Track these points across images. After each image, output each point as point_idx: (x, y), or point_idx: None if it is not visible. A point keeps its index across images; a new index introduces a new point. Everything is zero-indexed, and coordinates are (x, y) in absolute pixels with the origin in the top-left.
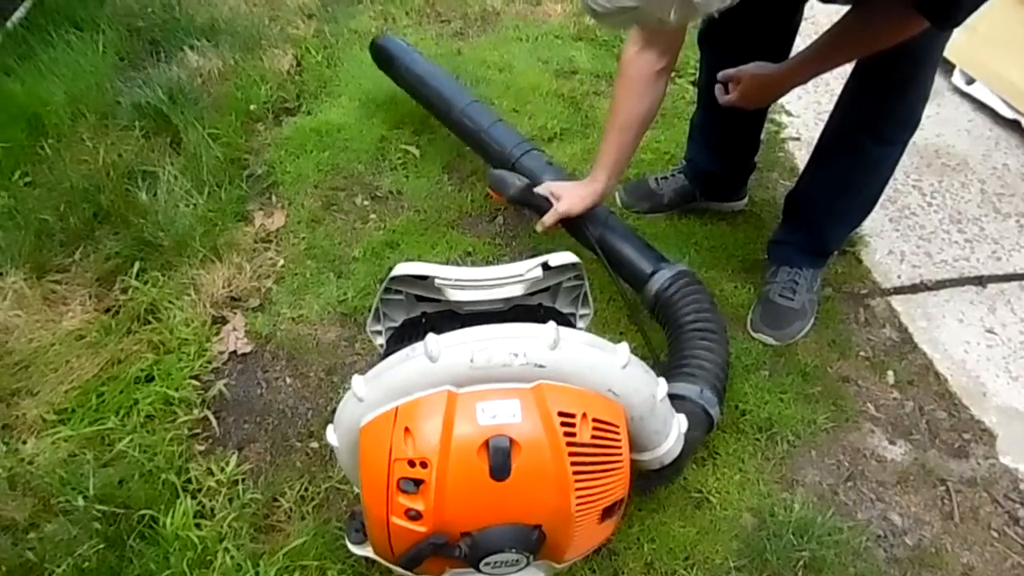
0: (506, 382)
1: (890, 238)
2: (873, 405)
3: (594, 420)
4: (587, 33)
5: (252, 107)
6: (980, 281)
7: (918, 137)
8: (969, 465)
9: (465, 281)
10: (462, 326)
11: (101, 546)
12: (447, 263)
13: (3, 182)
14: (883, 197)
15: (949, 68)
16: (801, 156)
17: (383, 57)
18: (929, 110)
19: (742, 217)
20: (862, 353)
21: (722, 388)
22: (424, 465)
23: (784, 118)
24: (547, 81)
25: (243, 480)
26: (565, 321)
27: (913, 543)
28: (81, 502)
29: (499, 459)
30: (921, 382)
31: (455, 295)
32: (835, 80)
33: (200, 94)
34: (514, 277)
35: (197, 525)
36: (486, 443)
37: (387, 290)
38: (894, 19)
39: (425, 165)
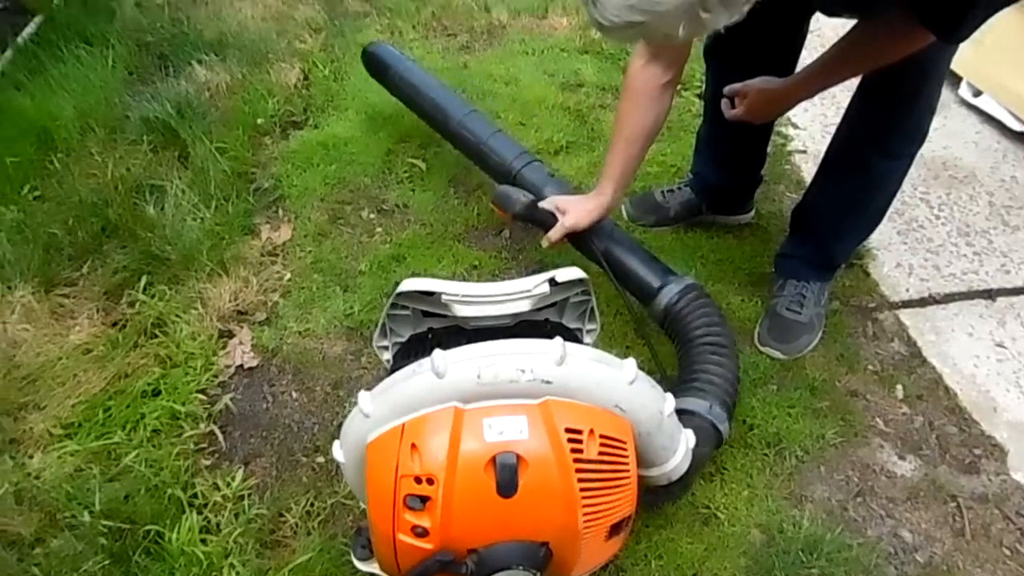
0: (513, 398)
1: (898, 251)
2: (882, 420)
3: (601, 436)
4: (593, 46)
5: (259, 121)
6: (989, 295)
7: (925, 149)
8: (980, 481)
9: (472, 297)
10: (469, 341)
11: (106, 562)
12: (453, 277)
13: (12, 196)
14: (891, 210)
15: (956, 80)
16: (807, 169)
17: (376, 66)
18: (936, 122)
19: (749, 230)
20: (870, 367)
21: (732, 403)
22: (431, 482)
23: (790, 131)
24: (553, 94)
25: (249, 495)
26: (572, 336)
27: (924, 561)
28: (87, 517)
29: (506, 476)
30: (930, 397)
31: (462, 311)
32: (841, 93)
33: (208, 108)
34: (521, 293)
35: (203, 541)
36: (493, 460)
37: (394, 305)
38: (900, 33)
39: (431, 178)
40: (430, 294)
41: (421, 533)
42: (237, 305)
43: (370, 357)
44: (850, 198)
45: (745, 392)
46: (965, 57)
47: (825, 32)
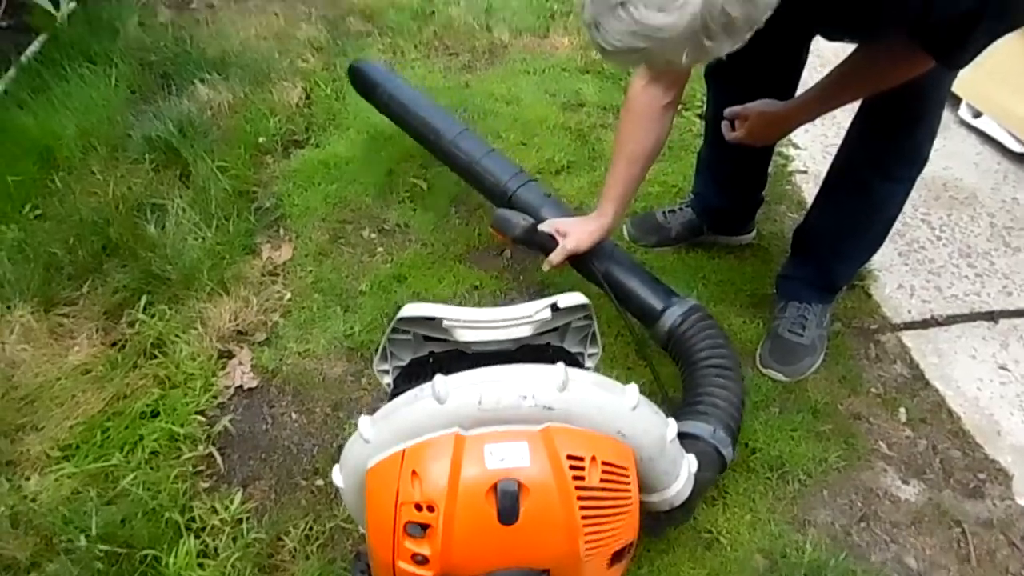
0: (514, 424)
1: (899, 272)
2: (885, 443)
3: (603, 463)
4: (594, 66)
5: (261, 140)
6: (991, 316)
7: (926, 170)
8: (985, 506)
9: (473, 322)
10: (470, 366)
11: None
12: (454, 297)
13: (13, 215)
14: (892, 231)
15: (956, 101)
16: (808, 189)
17: (363, 83)
18: (936, 143)
19: (750, 251)
20: (873, 390)
21: (736, 427)
22: (431, 509)
23: (791, 151)
24: (554, 114)
25: (247, 519)
26: (573, 360)
27: None
28: (83, 541)
29: (507, 503)
30: (934, 420)
31: (463, 336)
32: (842, 113)
33: (210, 127)
34: (523, 319)
35: (200, 565)
36: (494, 487)
37: (395, 330)
38: (901, 58)
39: (432, 198)
40: (431, 319)
41: (421, 561)
42: (237, 325)
43: (370, 378)
44: (851, 221)
45: (747, 415)
46: (965, 78)
47: (825, 53)
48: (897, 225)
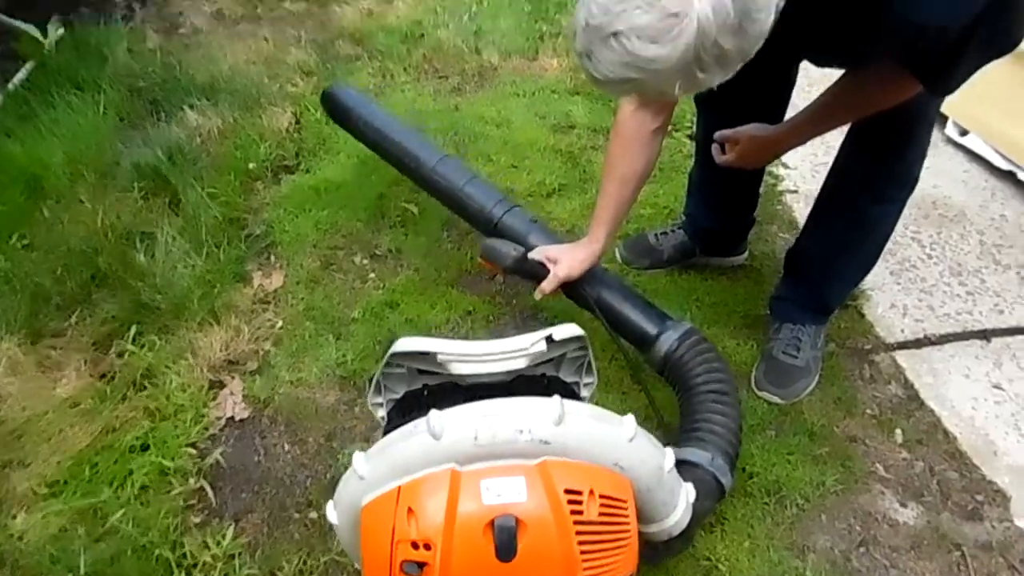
0: (511, 458)
1: (891, 291)
2: (882, 465)
3: (601, 496)
4: (584, 88)
5: (251, 166)
6: (984, 335)
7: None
8: (984, 528)
9: (468, 356)
10: (465, 399)
11: None
12: (447, 323)
13: (1, 246)
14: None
15: (942, 120)
16: (799, 208)
17: (336, 109)
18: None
19: (743, 272)
20: (868, 411)
21: (735, 454)
22: (428, 547)
23: (781, 171)
24: (545, 136)
25: (240, 554)
26: (569, 390)
27: None
28: None
29: (505, 539)
30: (930, 441)
31: (458, 369)
32: (831, 133)
33: (199, 153)
34: (518, 351)
35: None
36: (491, 523)
37: (388, 364)
38: (889, 83)
39: (424, 222)
40: (426, 354)
41: None
42: (228, 355)
43: (363, 407)
44: (843, 243)
45: (744, 438)
46: (951, 98)
47: (814, 73)
48: (888, 244)
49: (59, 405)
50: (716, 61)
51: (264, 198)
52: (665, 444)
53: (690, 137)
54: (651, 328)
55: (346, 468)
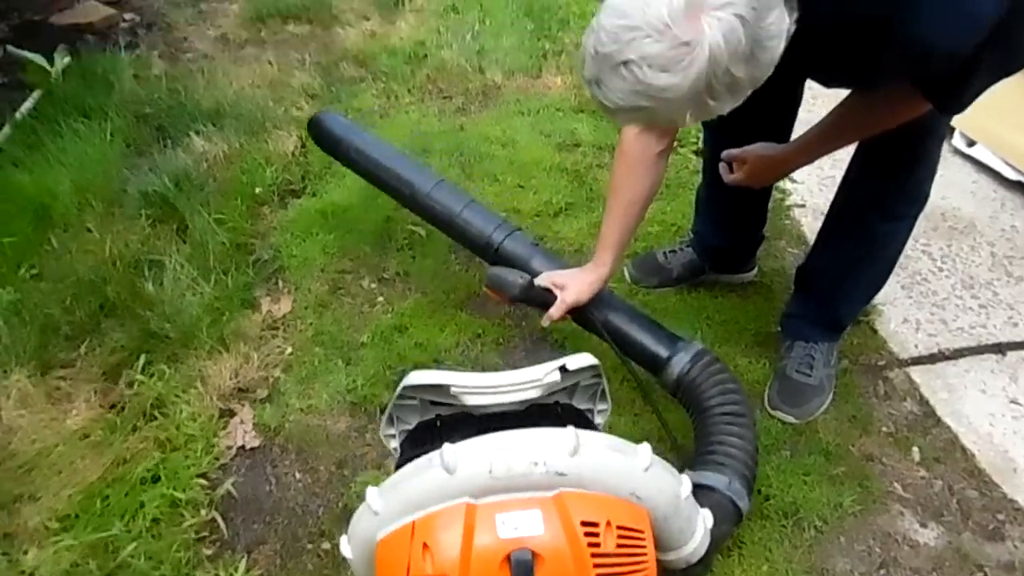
0: (526, 491)
1: (903, 305)
2: (900, 485)
3: (619, 528)
4: (588, 105)
5: (258, 190)
6: (999, 349)
7: None
8: (1006, 548)
9: (481, 388)
10: (478, 429)
11: None
12: (457, 346)
13: (10, 276)
14: None
15: (949, 131)
16: (807, 222)
17: (324, 137)
18: None
19: (752, 288)
20: (884, 429)
21: (751, 477)
22: None
23: (788, 185)
24: (550, 155)
25: None
26: (583, 418)
27: None
28: None
29: (522, 573)
30: (948, 459)
31: (471, 400)
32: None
33: (206, 179)
34: (531, 382)
35: None
36: (508, 557)
37: (400, 396)
38: (898, 102)
39: (431, 245)
40: (439, 386)
41: None
42: (238, 383)
43: (374, 433)
44: (854, 260)
45: (759, 459)
46: None
47: (818, 87)
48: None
49: (69, 437)
50: (727, 89)
51: (271, 222)
52: (679, 467)
53: (696, 153)
54: (662, 351)
55: (358, 497)
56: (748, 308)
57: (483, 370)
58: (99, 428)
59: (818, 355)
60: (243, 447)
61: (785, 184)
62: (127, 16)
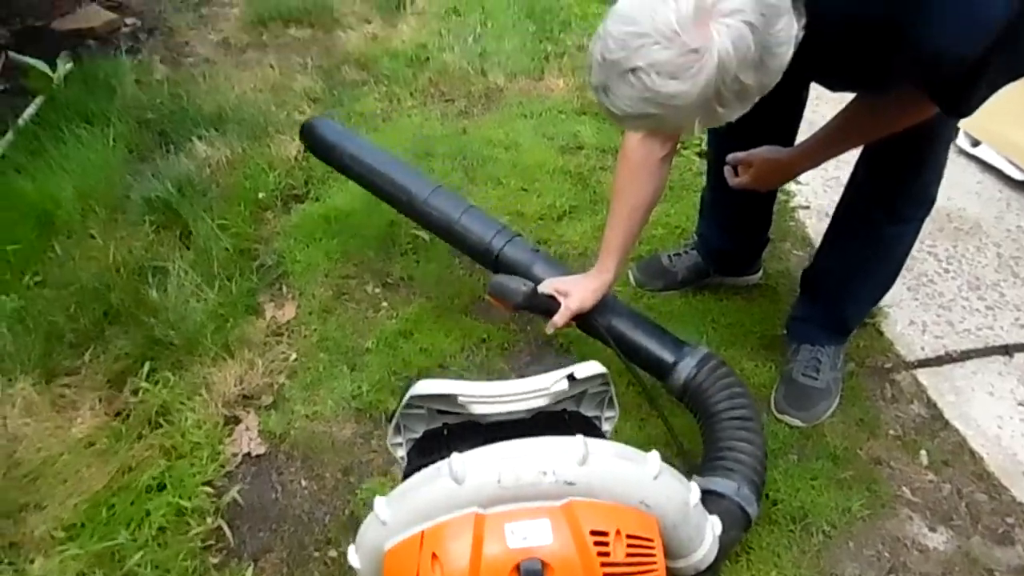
0: (535, 500)
1: (910, 307)
2: (908, 488)
3: (628, 537)
4: (591, 107)
5: (261, 195)
6: (1006, 351)
7: None
8: (1016, 552)
9: (489, 397)
10: (485, 438)
11: None
12: (462, 351)
13: (14, 284)
14: None
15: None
16: (812, 224)
17: (318, 145)
18: None
19: (758, 291)
20: (892, 432)
21: (760, 483)
22: None
23: (793, 186)
24: (553, 158)
25: None
26: (590, 425)
27: None
28: None
29: None
30: (956, 462)
31: (479, 409)
32: None
33: (209, 184)
34: (539, 391)
35: None
36: (517, 567)
37: (408, 405)
38: (905, 106)
39: (435, 249)
40: (446, 396)
41: None
42: (243, 389)
43: (380, 439)
44: (859, 264)
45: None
46: None
47: (825, 92)
48: None
49: (74, 445)
50: (736, 96)
51: (274, 228)
52: (686, 472)
53: (699, 154)
54: (668, 356)
55: (364, 504)
56: (753, 311)
57: (489, 375)
58: (104, 436)
59: (825, 358)
60: (249, 454)
61: (789, 186)
62: (128, 21)
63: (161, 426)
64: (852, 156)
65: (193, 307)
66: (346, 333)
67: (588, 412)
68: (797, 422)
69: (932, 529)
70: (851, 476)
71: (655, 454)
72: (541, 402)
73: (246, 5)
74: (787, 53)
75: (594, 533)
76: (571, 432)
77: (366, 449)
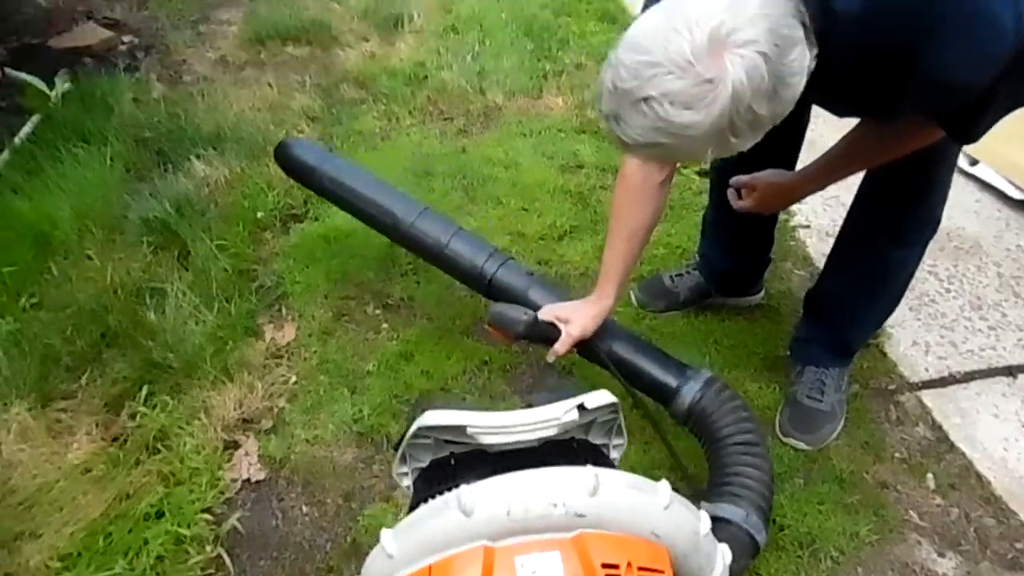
0: (545, 532)
1: (912, 328)
2: (916, 513)
3: (639, 569)
4: (590, 126)
5: (259, 215)
6: (1010, 371)
7: None
8: None
9: (498, 428)
10: (493, 468)
11: None
12: (464, 374)
13: (10, 306)
14: None
15: None
16: (813, 244)
17: (295, 167)
18: None
19: (760, 311)
20: (898, 455)
21: (768, 508)
22: None
23: (793, 206)
24: (553, 177)
25: None
26: (599, 453)
27: None
28: None
29: None
30: (963, 485)
31: (488, 440)
32: None
33: (207, 204)
34: (549, 421)
35: None
36: None
37: (415, 435)
38: (909, 131)
39: (435, 270)
40: (455, 427)
41: None
42: (242, 413)
43: (382, 464)
44: (864, 285)
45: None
46: None
47: (825, 112)
48: None
49: (71, 472)
50: (749, 126)
51: (273, 248)
52: (692, 496)
53: (698, 174)
54: (671, 380)
55: (366, 530)
56: (756, 331)
57: (491, 398)
58: (101, 462)
59: (829, 380)
60: (248, 480)
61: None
62: (126, 39)
63: (159, 451)
64: (854, 176)
65: (192, 329)
66: (346, 355)
67: (596, 440)
68: (802, 445)
69: (941, 554)
70: (858, 500)
71: (665, 484)
72: (550, 432)
73: (244, 23)
74: (800, 83)
75: (605, 566)
76: (580, 461)
77: (368, 474)
